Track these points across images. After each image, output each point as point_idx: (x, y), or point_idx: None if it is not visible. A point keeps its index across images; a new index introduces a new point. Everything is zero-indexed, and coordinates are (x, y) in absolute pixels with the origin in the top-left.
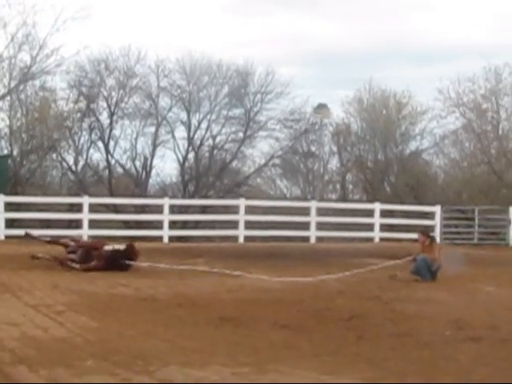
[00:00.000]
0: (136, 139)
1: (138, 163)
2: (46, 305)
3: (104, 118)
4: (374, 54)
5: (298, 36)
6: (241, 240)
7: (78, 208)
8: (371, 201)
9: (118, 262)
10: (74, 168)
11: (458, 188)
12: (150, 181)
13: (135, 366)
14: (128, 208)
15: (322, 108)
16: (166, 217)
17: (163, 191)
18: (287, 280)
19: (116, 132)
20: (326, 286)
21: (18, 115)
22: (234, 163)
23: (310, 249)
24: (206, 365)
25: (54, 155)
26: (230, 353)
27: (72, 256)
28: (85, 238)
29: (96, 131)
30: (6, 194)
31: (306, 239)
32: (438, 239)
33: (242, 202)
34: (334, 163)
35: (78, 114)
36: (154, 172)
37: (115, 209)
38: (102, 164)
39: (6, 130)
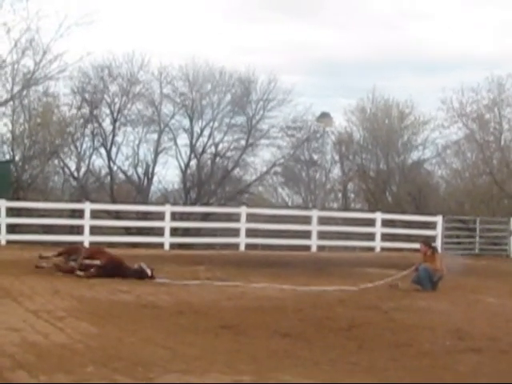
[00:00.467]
0: (138, 146)
1: (140, 170)
2: (46, 310)
3: (107, 124)
4: (377, 64)
5: (300, 44)
6: (242, 248)
7: (79, 214)
8: (373, 210)
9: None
10: (75, 174)
11: (460, 198)
12: (152, 187)
13: (135, 373)
14: (129, 214)
15: (324, 117)
16: (167, 224)
17: (165, 198)
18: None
19: (118, 138)
20: (326, 295)
21: (21, 120)
22: (236, 171)
23: (311, 257)
24: (206, 372)
25: (57, 161)
26: (230, 361)
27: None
28: (86, 244)
29: (98, 137)
30: (8, 199)
31: (307, 248)
32: (439, 249)
33: (243, 210)
34: (335, 172)
35: (81, 120)
36: (155, 179)
37: (117, 215)
38: (104, 170)
39: (9, 136)
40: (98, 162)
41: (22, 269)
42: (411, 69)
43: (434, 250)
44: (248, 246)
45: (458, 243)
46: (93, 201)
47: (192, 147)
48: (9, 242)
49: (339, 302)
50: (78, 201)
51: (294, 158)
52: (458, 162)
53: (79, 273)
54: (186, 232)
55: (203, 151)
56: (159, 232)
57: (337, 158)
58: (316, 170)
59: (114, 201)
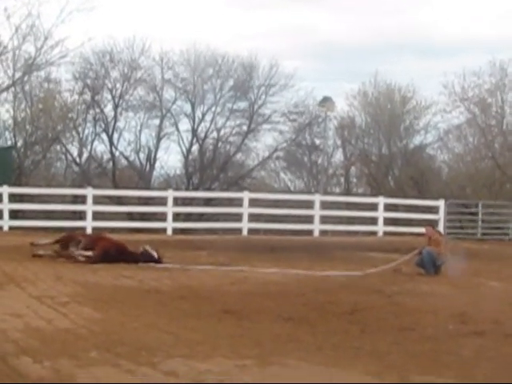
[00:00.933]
0: (140, 131)
1: (142, 155)
2: (49, 296)
3: (108, 110)
4: (378, 48)
5: (302, 29)
6: (244, 233)
7: (81, 200)
8: (375, 195)
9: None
10: (78, 160)
11: (462, 182)
12: (154, 173)
13: (139, 358)
14: (132, 200)
15: (326, 101)
16: (169, 209)
17: (167, 183)
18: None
19: (120, 124)
20: (329, 279)
21: (23, 106)
22: (238, 156)
23: (314, 242)
24: (209, 357)
25: (58, 147)
26: (233, 345)
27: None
28: (88, 229)
29: (100, 123)
30: (10, 185)
31: (310, 233)
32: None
33: (245, 195)
34: (338, 157)
35: (83, 106)
36: (158, 164)
37: (119, 201)
38: (106, 156)
39: (11, 122)
40: (100, 147)
41: (24, 255)
42: (413, 53)
43: (440, 233)
44: (250, 231)
45: (461, 227)
46: (95, 186)
47: (194, 132)
48: (11, 228)
49: (342, 287)
50: (80, 186)
51: (296, 142)
52: (460, 147)
53: (81, 258)
54: (189, 217)
55: (205, 136)
56: (162, 217)
57: (339, 142)
58: (318, 155)
59: (116, 186)
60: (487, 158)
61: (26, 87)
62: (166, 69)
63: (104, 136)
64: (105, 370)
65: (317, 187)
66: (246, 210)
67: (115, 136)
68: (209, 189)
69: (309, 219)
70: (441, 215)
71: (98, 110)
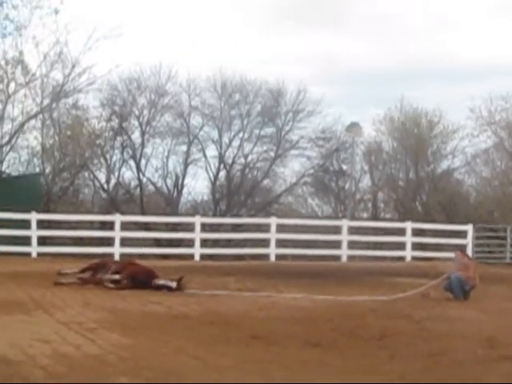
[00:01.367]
0: (167, 158)
1: (169, 181)
2: (77, 322)
3: (136, 136)
4: (404, 73)
5: (328, 55)
6: (272, 258)
7: (109, 226)
8: (403, 220)
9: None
10: (105, 186)
11: (490, 207)
12: (182, 199)
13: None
14: (159, 226)
15: (353, 126)
16: (197, 235)
17: (194, 209)
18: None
19: (147, 150)
20: (357, 304)
21: (51, 133)
22: (266, 182)
23: (342, 268)
24: (238, 382)
25: (86, 173)
26: (262, 370)
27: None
28: (116, 255)
29: (128, 149)
30: (39, 211)
31: (338, 258)
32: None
33: (273, 221)
34: (365, 182)
35: (110, 133)
36: (185, 190)
37: (146, 227)
38: (134, 182)
39: (39, 148)
40: (128, 174)
41: (52, 281)
42: (439, 78)
43: (469, 258)
44: (278, 257)
45: (489, 252)
46: (123, 213)
47: (221, 158)
48: (39, 255)
49: (370, 312)
50: (108, 213)
51: (324, 168)
52: (488, 171)
53: (110, 285)
54: (216, 243)
55: (232, 162)
56: (189, 243)
57: (366, 167)
58: (345, 180)
59: (143, 212)
60: None
61: (54, 114)
62: (193, 95)
63: (131, 162)
64: None
65: (344, 212)
66: (273, 236)
67: (143, 162)
68: (236, 215)
69: (336, 244)
70: (469, 240)
71: (125, 137)
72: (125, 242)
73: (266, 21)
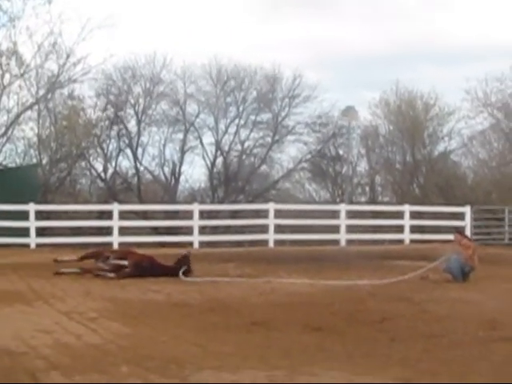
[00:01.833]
0: (164, 146)
1: (166, 169)
2: (78, 312)
3: (132, 125)
4: (400, 56)
5: (323, 39)
6: (271, 244)
7: (107, 215)
8: (400, 203)
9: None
10: (103, 175)
11: (488, 188)
12: (179, 187)
13: (169, 371)
14: (157, 214)
15: (349, 110)
16: (195, 222)
17: (192, 197)
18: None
19: (144, 139)
20: (357, 288)
21: (47, 124)
22: (263, 168)
23: (340, 252)
24: (239, 368)
25: (83, 163)
26: (262, 356)
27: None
28: (115, 245)
29: (124, 139)
30: (37, 202)
31: (336, 242)
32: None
33: (271, 207)
34: (362, 166)
35: (106, 122)
36: (182, 178)
37: (145, 215)
38: (131, 171)
39: (35, 139)
40: (125, 163)
41: (52, 272)
42: (435, 60)
43: (468, 239)
44: (277, 242)
45: (488, 233)
46: (120, 202)
47: (218, 145)
48: (38, 245)
49: (370, 295)
50: (106, 202)
51: (321, 153)
52: (485, 152)
53: (110, 274)
54: (215, 230)
55: (229, 149)
56: (188, 231)
57: (363, 151)
58: (343, 165)
59: (141, 201)
60: None
61: (50, 105)
62: (189, 83)
63: (128, 151)
64: None
65: (342, 197)
66: (271, 222)
67: (139, 151)
68: (234, 201)
69: (335, 229)
70: (467, 221)
71: (121, 126)
72: (123, 230)
73: (260, 7)
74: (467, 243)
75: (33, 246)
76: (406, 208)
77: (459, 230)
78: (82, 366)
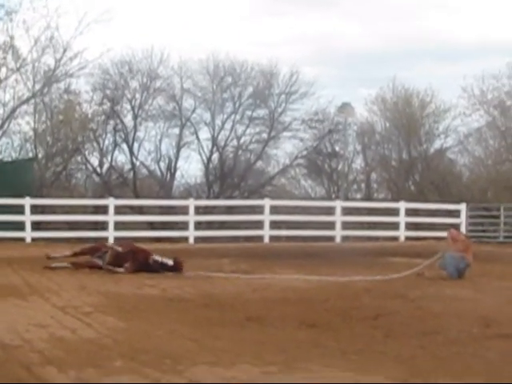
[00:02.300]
0: (160, 141)
1: (162, 165)
2: (73, 306)
3: (128, 120)
4: (396, 53)
5: (321, 36)
6: (266, 240)
7: (103, 210)
8: (396, 200)
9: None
10: (98, 170)
11: (483, 186)
12: (175, 182)
13: (164, 366)
14: (153, 209)
15: (345, 107)
16: (191, 218)
17: (188, 192)
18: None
19: (140, 134)
20: (352, 284)
21: (43, 118)
22: (259, 164)
23: (336, 248)
24: (234, 364)
25: (79, 158)
26: (257, 352)
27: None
28: (110, 240)
29: (120, 133)
30: (32, 196)
31: (332, 239)
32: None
33: (266, 203)
34: (358, 162)
35: (103, 117)
36: (178, 173)
37: (140, 210)
38: (127, 166)
39: (31, 134)
40: (121, 157)
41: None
42: (431, 57)
43: (464, 235)
44: (272, 238)
45: (483, 231)
46: (116, 196)
47: (214, 141)
48: (34, 240)
49: (365, 292)
50: (102, 197)
51: (317, 150)
52: (481, 150)
53: (119, 269)
54: (210, 225)
55: (225, 145)
56: (183, 226)
57: (359, 148)
58: (338, 161)
59: (137, 196)
60: (508, 160)
61: (46, 99)
62: (185, 78)
63: (124, 146)
64: (130, 379)
65: (337, 193)
66: (267, 218)
67: (135, 146)
68: (230, 197)
69: (330, 225)
70: (462, 219)
71: (117, 121)
72: (119, 225)
73: (258, 2)
74: (462, 240)
75: (28, 240)
76: (402, 205)
77: (454, 227)
78: (76, 359)
